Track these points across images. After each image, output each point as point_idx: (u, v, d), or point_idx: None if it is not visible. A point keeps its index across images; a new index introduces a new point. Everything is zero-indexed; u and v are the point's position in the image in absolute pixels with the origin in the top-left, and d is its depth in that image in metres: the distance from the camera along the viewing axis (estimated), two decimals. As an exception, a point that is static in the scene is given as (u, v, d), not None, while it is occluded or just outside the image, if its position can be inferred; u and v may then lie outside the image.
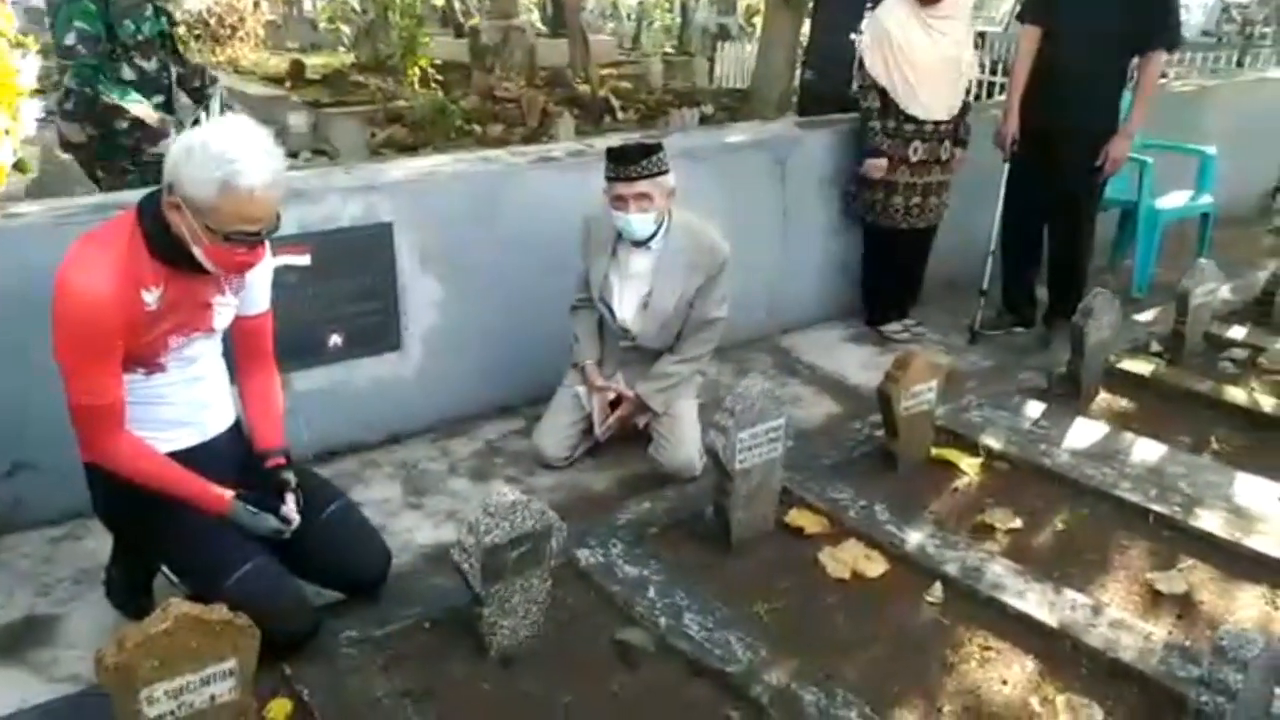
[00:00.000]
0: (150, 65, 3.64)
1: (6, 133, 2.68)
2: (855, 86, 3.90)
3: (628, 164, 2.77)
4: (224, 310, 2.06)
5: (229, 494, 2.00)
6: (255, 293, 2.13)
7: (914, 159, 3.82)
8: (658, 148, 2.82)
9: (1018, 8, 3.91)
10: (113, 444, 1.94)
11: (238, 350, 2.21)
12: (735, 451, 2.34)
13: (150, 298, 1.89)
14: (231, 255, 1.88)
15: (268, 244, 1.97)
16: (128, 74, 3.58)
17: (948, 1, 3.70)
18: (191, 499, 1.98)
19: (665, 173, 2.81)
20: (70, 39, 3.41)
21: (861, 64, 3.83)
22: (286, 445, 2.20)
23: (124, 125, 3.56)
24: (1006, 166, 3.95)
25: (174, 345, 1.98)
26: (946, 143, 3.86)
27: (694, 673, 2.02)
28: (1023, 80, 3.83)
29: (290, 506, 2.08)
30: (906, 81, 3.73)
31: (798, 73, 5.28)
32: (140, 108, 3.54)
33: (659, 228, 2.87)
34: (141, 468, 1.96)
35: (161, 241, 1.87)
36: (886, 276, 4.13)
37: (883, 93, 3.77)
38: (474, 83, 9.45)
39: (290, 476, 2.12)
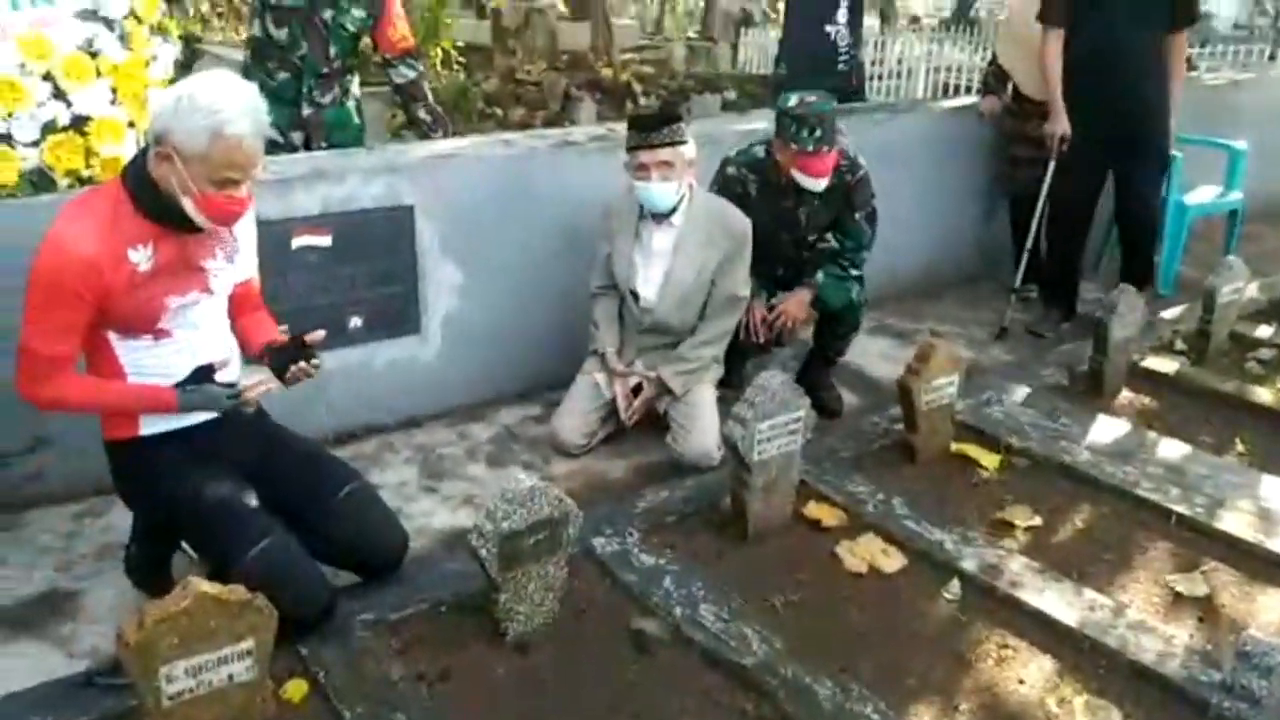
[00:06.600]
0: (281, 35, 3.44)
1: (131, 125, 2.57)
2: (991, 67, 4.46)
3: (650, 130, 2.81)
4: (220, 273, 2.09)
5: (170, 387, 2.03)
6: (244, 258, 2.16)
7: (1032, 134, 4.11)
8: (678, 116, 2.88)
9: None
10: (42, 392, 1.96)
11: (231, 310, 2.23)
12: (754, 442, 2.33)
13: (139, 257, 1.92)
14: (222, 203, 1.92)
15: (252, 195, 2.02)
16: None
17: None
18: (138, 409, 2.03)
19: (685, 142, 2.85)
20: None
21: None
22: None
23: None
24: (1052, 165, 3.94)
25: (173, 306, 1.99)
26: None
27: (709, 663, 2.01)
28: (1058, 81, 3.81)
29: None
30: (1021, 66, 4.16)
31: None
32: None
33: (680, 199, 2.88)
34: (75, 405, 2.00)
35: (148, 198, 1.91)
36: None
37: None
38: (495, 65, 9.42)
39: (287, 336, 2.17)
